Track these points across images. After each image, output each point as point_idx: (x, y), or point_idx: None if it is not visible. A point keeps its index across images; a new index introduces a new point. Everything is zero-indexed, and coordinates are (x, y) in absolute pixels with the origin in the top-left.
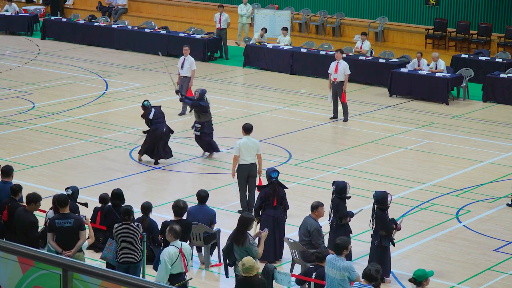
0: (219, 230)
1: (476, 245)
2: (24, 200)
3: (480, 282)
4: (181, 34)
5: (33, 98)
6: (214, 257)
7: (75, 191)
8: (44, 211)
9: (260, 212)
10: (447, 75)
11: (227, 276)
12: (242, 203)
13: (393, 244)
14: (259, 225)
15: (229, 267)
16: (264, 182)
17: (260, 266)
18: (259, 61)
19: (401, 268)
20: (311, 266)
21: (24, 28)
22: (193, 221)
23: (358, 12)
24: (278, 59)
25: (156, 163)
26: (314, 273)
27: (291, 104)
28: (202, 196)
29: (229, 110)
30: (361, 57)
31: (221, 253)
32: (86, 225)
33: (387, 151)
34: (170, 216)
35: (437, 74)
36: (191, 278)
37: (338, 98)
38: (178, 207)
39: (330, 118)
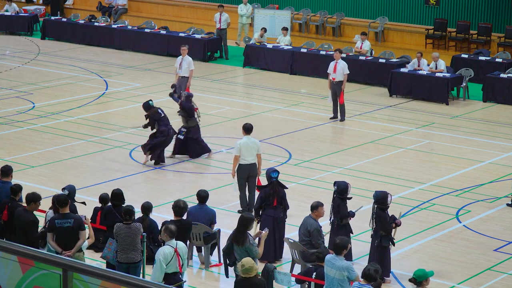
0: (219, 230)
1: (476, 245)
2: (24, 200)
3: (480, 282)
4: (181, 34)
5: (33, 98)
6: (214, 257)
7: (71, 191)
8: (44, 211)
9: (260, 212)
10: (447, 75)
11: (227, 276)
12: (242, 203)
13: (393, 244)
14: (259, 225)
15: (229, 267)
16: (263, 182)
17: (260, 266)
18: (259, 61)
19: (401, 268)
20: (311, 266)
21: (24, 28)
22: (193, 221)
23: (358, 12)
24: (278, 59)
25: (156, 163)
26: (314, 273)
27: (291, 104)
28: (202, 196)
29: (229, 110)
30: (361, 57)
31: (221, 253)
32: (86, 225)
33: (387, 151)
34: (170, 216)
35: (437, 74)
36: (185, 281)
37: (337, 98)
38: (178, 207)
39: (330, 118)
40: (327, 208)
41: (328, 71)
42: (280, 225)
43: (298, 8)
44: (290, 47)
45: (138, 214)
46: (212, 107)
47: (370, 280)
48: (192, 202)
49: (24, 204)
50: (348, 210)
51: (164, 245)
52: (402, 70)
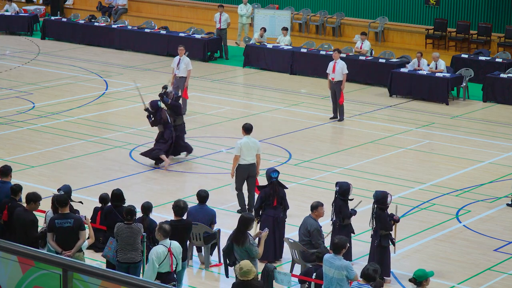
0: (219, 230)
1: (476, 245)
2: (24, 200)
3: (480, 282)
4: (181, 34)
5: (33, 98)
6: (214, 257)
7: (67, 191)
8: (44, 211)
9: (260, 212)
10: (447, 75)
11: (227, 276)
12: (241, 203)
13: (393, 244)
14: (259, 225)
15: (229, 267)
16: (262, 182)
17: (260, 266)
18: (259, 61)
19: (401, 268)
20: (311, 266)
21: (24, 28)
22: (193, 221)
23: (358, 12)
24: (278, 59)
25: (156, 163)
26: (314, 273)
27: (291, 104)
28: (202, 196)
29: (229, 110)
30: (361, 57)
31: (221, 253)
32: (86, 225)
33: (387, 151)
34: (170, 216)
35: (437, 74)
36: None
37: (337, 97)
38: (179, 207)
39: (330, 118)
40: (327, 208)
41: (327, 71)
42: (280, 225)
43: (298, 8)
44: (290, 47)
45: (138, 214)
46: (212, 107)
47: (369, 280)
48: (192, 202)
49: (24, 204)
50: (350, 209)
51: (158, 244)
52: (402, 70)
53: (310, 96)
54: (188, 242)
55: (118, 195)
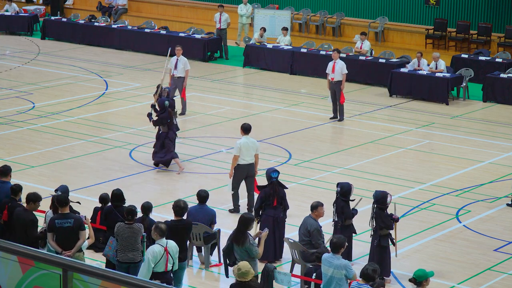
0: (219, 230)
1: (476, 245)
2: (24, 200)
3: (480, 282)
4: (181, 34)
5: (33, 98)
6: (214, 257)
7: (64, 191)
8: (44, 211)
9: (260, 212)
10: (447, 75)
11: (227, 276)
12: (235, 202)
13: (394, 244)
14: (259, 225)
15: (229, 267)
16: (261, 182)
17: (260, 266)
18: (259, 61)
19: (401, 268)
20: (311, 266)
21: (24, 28)
22: (193, 221)
23: (358, 12)
24: (278, 59)
25: (156, 164)
26: (314, 274)
27: (291, 104)
28: (202, 196)
29: (229, 110)
30: (361, 57)
31: (221, 253)
32: (86, 225)
33: (387, 151)
34: (170, 216)
35: (437, 74)
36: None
37: (337, 97)
38: (179, 207)
39: (330, 118)
40: (327, 208)
41: (326, 71)
42: (280, 225)
43: (298, 8)
44: (290, 47)
45: (138, 214)
46: (212, 107)
47: (369, 280)
48: (192, 202)
49: (24, 204)
50: (352, 209)
51: (154, 243)
52: (402, 70)
53: (310, 96)
54: (188, 242)
55: (118, 195)
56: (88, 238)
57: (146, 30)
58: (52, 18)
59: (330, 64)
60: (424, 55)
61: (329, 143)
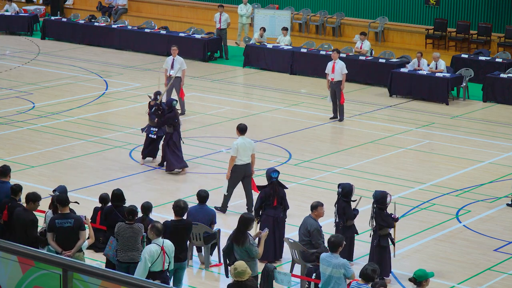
0: (219, 230)
1: (476, 245)
2: (23, 200)
3: (480, 282)
4: (181, 34)
5: (33, 98)
6: (214, 257)
7: (63, 191)
8: (44, 211)
9: (260, 212)
10: (447, 75)
11: (227, 276)
12: (225, 202)
13: (393, 244)
14: (259, 225)
15: (229, 267)
16: (260, 182)
17: (260, 266)
18: (259, 61)
19: (401, 268)
20: (311, 266)
21: (24, 28)
22: (193, 221)
23: (358, 12)
24: (278, 59)
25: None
26: (314, 274)
27: (291, 104)
28: (202, 196)
29: (229, 110)
30: (361, 57)
31: (221, 253)
32: (86, 225)
33: (387, 151)
34: (170, 216)
35: (437, 74)
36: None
37: (337, 97)
38: (179, 207)
39: (330, 118)
40: (327, 208)
41: (326, 71)
42: (280, 225)
43: (298, 8)
44: (290, 47)
45: (138, 214)
46: (212, 107)
47: (368, 280)
48: (192, 202)
49: (24, 204)
50: (353, 209)
51: (150, 243)
52: (402, 70)
53: (310, 96)
54: (188, 242)
55: (118, 195)
56: (88, 238)
57: (146, 30)
58: (52, 18)
59: (330, 64)
60: (424, 55)
61: (329, 143)
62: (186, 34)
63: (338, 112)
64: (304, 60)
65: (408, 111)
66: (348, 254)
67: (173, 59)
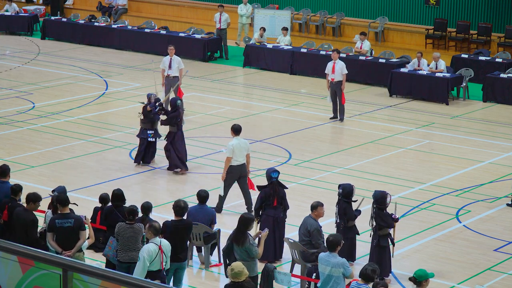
0: (219, 230)
1: (476, 245)
2: (23, 200)
3: (480, 282)
4: (181, 34)
5: (33, 98)
6: (214, 257)
7: (62, 192)
8: (44, 211)
9: (260, 212)
10: (447, 75)
11: (227, 276)
12: (221, 202)
13: (393, 244)
14: (259, 225)
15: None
16: (260, 182)
17: (260, 266)
18: (259, 61)
19: (401, 268)
20: (311, 266)
21: (24, 28)
22: (193, 221)
23: (358, 12)
24: (278, 59)
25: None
26: (314, 274)
27: (291, 104)
28: (202, 196)
29: (229, 110)
30: (361, 57)
31: (221, 253)
32: (86, 225)
33: (387, 151)
34: (170, 216)
35: (437, 74)
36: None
37: (337, 98)
38: (179, 207)
39: (330, 118)
40: (328, 208)
41: (326, 72)
42: (280, 225)
43: (298, 8)
44: (290, 47)
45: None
46: (212, 107)
47: (368, 280)
48: (192, 202)
49: (24, 204)
50: (354, 210)
51: (148, 242)
52: (402, 70)
53: (310, 96)
54: (188, 242)
55: (118, 195)
56: (88, 238)
57: (146, 30)
58: (52, 18)
59: (330, 65)
60: (424, 55)
61: (329, 143)
62: (186, 34)
63: (338, 112)
64: (304, 60)
65: (408, 111)
66: (349, 254)
67: (171, 58)
